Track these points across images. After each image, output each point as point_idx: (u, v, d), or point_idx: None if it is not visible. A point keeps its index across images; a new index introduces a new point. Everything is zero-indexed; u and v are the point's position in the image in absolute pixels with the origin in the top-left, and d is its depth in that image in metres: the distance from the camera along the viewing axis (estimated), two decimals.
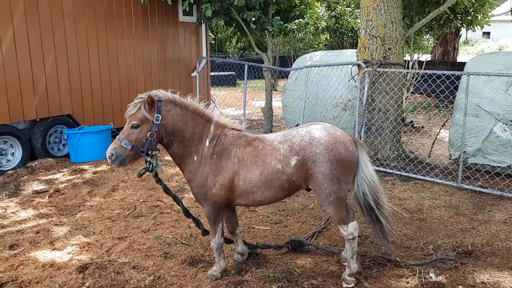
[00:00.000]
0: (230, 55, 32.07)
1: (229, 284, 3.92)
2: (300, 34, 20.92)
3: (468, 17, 11.88)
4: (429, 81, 7.39)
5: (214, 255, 4.20)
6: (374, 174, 3.95)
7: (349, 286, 3.91)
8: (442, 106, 11.27)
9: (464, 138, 6.73)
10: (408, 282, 3.97)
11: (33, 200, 6.24)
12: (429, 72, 6.96)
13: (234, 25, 11.42)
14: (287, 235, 5.07)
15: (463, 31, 21.02)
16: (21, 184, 6.91)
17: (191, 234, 5.05)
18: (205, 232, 4.39)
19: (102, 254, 4.58)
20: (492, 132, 6.91)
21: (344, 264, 4.19)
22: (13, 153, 7.86)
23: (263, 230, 5.24)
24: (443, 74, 6.92)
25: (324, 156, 3.67)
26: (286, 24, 10.60)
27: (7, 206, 6.04)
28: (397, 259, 4.36)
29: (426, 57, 16.46)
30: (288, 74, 10.96)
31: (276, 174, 3.72)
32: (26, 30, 7.81)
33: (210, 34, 22.62)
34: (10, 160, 7.81)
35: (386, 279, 4.03)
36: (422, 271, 4.13)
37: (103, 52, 9.23)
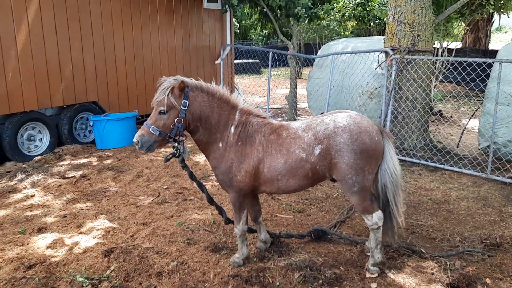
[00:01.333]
0: (255, 43, 31.91)
1: (251, 271, 3.92)
2: (325, 22, 20.61)
3: (501, 2, 11.44)
4: (459, 69, 7.17)
5: (237, 242, 4.21)
6: (398, 167, 3.86)
7: (373, 276, 3.86)
8: (472, 95, 10.96)
9: (495, 128, 6.52)
10: (433, 274, 3.89)
11: (60, 185, 6.38)
12: (459, 59, 6.74)
13: (259, 11, 11.34)
14: (310, 224, 5.04)
15: (495, 17, 20.31)
16: (48, 169, 7.07)
17: (214, 221, 5.07)
18: (228, 221, 4.40)
19: (127, 239, 4.65)
20: None
21: (368, 254, 4.14)
22: (41, 139, 8.03)
23: (286, 219, 5.22)
24: (474, 62, 6.70)
25: (348, 145, 3.60)
26: (312, 10, 10.46)
27: (36, 191, 6.19)
28: (422, 250, 4.27)
29: (456, 45, 16.01)
30: (313, 61, 10.82)
31: (300, 163, 3.68)
32: (53, 18, 7.92)
33: (235, 21, 22.52)
34: (38, 146, 7.99)
35: (410, 270, 3.97)
36: (447, 263, 4.05)
37: (128, 39, 9.30)
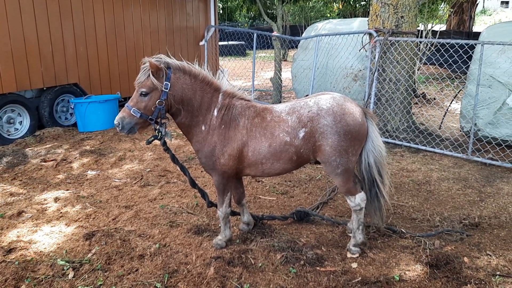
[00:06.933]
0: (240, 25, 31.58)
1: (233, 253, 3.93)
2: (311, 3, 20.45)
3: None
4: (442, 51, 7.19)
5: (219, 225, 4.21)
6: (383, 147, 3.88)
7: (354, 256, 3.90)
8: (455, 77, 11.03)
9: (476, 110, 6.59)
10: (412, 253, 3.95)
11: (41, 169, 6.29)
12: (442, 41, 6.75)
13: None
14: (293, 205, 5.06)
15: None
16: (29, 153, 6.95)
17: (196, 204, 5.06)
18: (210, 204, 4.38)
19: (109, 222, 4.62)
20: (505, 103, 6.75)
21: (350, 234, 4.19)
22: (21, 121, 7.88)
23: (269, 201, 5.23)
24: (457, 44, 6.72)
25: (332, 127, 3.60)
26: None
27: (16, 174, 6.10)
28: (403, 230, 4.34)
29: (440, 27, 16.03)
30: (298, 43, 10.75)
31: (285, 146, 3.67)
32: None
33: (219, 2, 22.20)
34: (18, 129, 7.84)
35: (391, 250, 4.02)
36: (427, 243, 4.11)
37: (109, 20, 9.11)
